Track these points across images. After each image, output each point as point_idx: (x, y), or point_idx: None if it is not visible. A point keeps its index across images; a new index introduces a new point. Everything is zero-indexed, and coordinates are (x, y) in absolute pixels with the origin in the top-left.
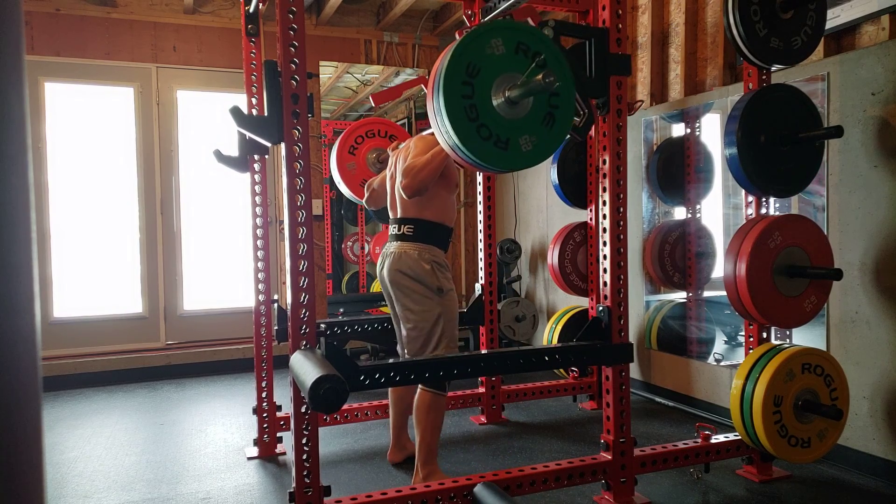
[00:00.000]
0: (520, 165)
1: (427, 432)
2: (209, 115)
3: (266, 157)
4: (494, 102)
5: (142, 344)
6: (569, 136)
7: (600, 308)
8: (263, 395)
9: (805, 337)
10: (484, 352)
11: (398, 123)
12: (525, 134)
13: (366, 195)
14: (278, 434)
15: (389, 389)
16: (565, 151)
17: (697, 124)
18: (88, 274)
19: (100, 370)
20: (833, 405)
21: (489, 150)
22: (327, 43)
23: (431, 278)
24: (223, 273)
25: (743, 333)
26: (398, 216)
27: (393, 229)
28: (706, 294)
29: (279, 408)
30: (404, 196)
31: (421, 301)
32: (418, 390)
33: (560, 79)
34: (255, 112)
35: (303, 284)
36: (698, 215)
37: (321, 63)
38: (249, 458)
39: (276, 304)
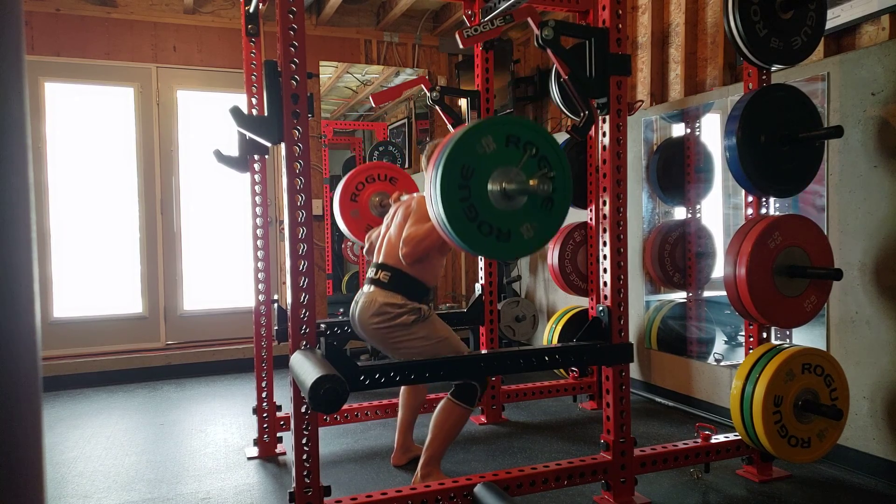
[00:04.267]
0: (523, 253)
1: (439, 438)
2: (209, 115)
3: (266, 157)
4: (491, 196)
5: (142, 344)
6: (569, 135)
7: (600, 308)
8: (263, 395)
9: (805, 337)
10: (484, 352)
11: (398, 123)
12: (525, 223)
13: (366, 246)
14: (278, 434)
15: (401, 392)
16: (565, 151)
17: (697, 124)
18: (88, 274)
19: (100, 370)
20: (833, 405)
21: (492, 245)
22: (327, 43)
23: (404, 314)
24: (223, 273)
25: (743, 333)
26: (379, 261)
27: (370, 272)
28: (706, 294)
29: (279, 408)
30: (403, 262)
31: (407, 335)
32: (446, 398)
33: (554, 167)
34: (255, 112)
35: (303, 284)
36: (698, 215)
37: (321, 63)
38: (249, 458)
39: (276, 304)
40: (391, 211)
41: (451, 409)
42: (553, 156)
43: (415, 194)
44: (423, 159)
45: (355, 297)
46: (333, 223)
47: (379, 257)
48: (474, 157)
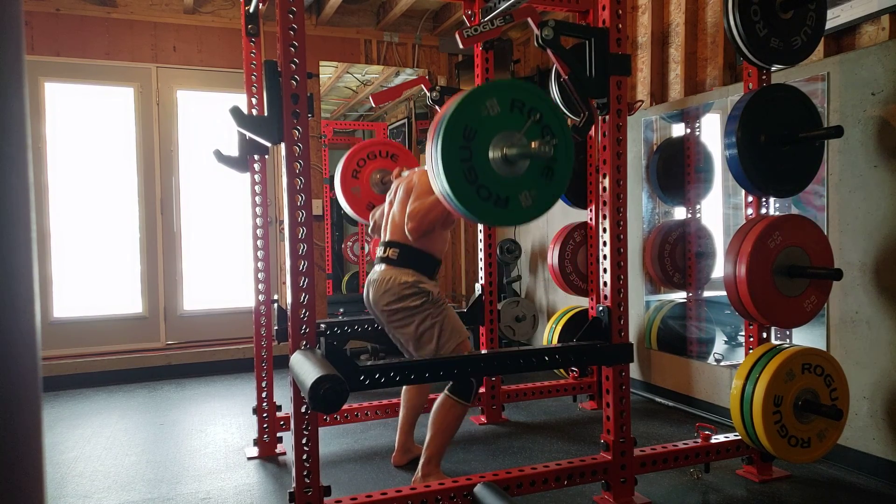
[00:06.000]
0: (520, 221)
1: (438, 436)
2: (209, 115)
3: (266, 157)
4: (492, 161)
5: (142, 344)
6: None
7: (600, 308)
8: (263, 395)
9: (805, 337)
10: (484, 352)
11: (398, 123)
12: (525, 190)
13: (370, 225)
14: (278, 434)
15: (402, 392)
16: None
17: (697, 124)
18: (88, 274)
19: (100, 370)
20: (833, 405)
21: (489, 210)
22: (327, 43)
23: (415, 295)
24: (223, 273)
25: (743, 333)
26: (386, 239)
27: (379, 251)
28: (706, 294)
29: (279, 408)
30: (409, 237)
31: (412, 317)
32: (443, 395)
33: (557, 134)
34: (255, 112)
35: (303, 284)
36: (698, 215)
37: (321, 63)
38: (249, 458)
39: (276, 304)
40: (393, 187)
41: (448, 405)
42: (556, 125)
43: (416, 169)
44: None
45: (367, 279)
46: (333, 223)
47: (386, 235)
48: (477, 119)
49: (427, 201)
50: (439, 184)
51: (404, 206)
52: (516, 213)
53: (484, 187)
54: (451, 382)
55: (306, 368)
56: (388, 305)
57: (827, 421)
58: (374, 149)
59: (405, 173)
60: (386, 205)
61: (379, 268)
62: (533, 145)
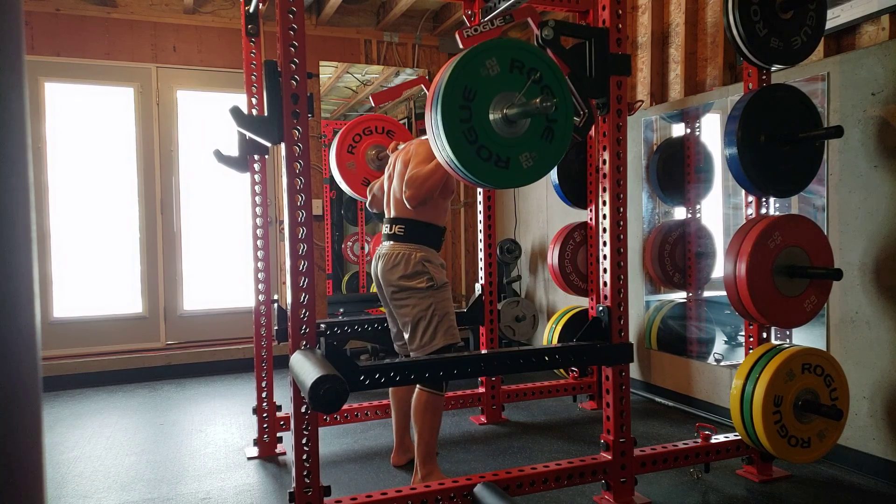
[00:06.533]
0: (521, 182)
1: (425, 431)
2: (209, 115)
3: (266, 157)
4: (492, 121)
5: (142, 344)
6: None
7: (600, 308)
8: (263, 395)
9: (805, 337)
10: (484, 352)
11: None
12: (525, 151)
13: (368, 199)
14: (278, 434)
15: (390, 393)
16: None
17: (697, 124)
18: (88, 274)
19: (100, 370)
20: (833, 405)
21: (490, 170)
22: (327, 43)
23: (423, 276)
24: (223, 273)
25: (743, 333)
26: (391, 216)
27: (385, 228)
28: (706, 294)
29: (279, 408)
30: (407, 206)
31: (414, 298)
32: (416, 390)
33: (557, 94)
34: (255, 112)
35: (303, 284)
36: (698, 215)
37: (321, 63)
38: (249, 458)
39: (276, 304)
40: (391, 161)
41: (423, 399)
42: (556, 85)
43: (412, 140)
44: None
45: (376, 252)
46: (334, 223)
47: (390, 212)
48: (477, 79)
49: (425, 168)
50: (440, 146)
51: (403, 178)
52: (517, 174)
53: (485, 148)
54: None
55: (306, 368)
56: (396, 280)
57: (827, 421)
58: (370, 124)
59: (401, 146)
60: (385, 180)
61: (388, 244)
62: (535, 101)
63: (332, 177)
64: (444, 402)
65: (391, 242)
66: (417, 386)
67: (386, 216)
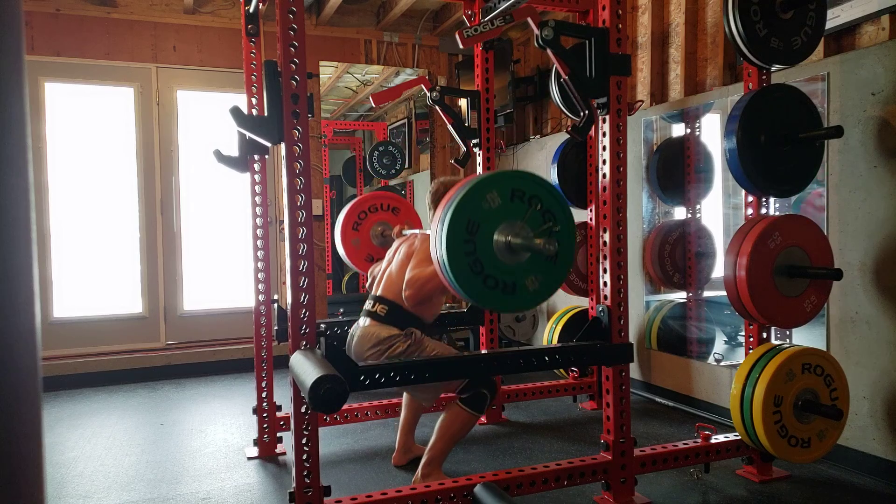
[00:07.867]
0: (529, 305)
1: (443, 441)
2: (209, 115)
3: (266, 157)
4: (497, 251)
5: (142, 344)
6: (569, 135)
7: (600, 308)
8: (263, 395)
9: (805, 337)
10: (484, 352)
11: (398, 123)
12: (531, 275)
13: (368, 281)
14: (278, 434)
15: (405, 393)
16: (565, 151)
17: (697, 124)
18: (88, 274)
19: (100, 370)
20: (833, 405)
21: (496, 297)
22: (327, 43)
23: (394, 346)
24: (223, 273)
25: (743, 333)
26: (377, 293)
27: (368, 304)
28: (706, 294)
29: (279, 408)
30: (405, 302)
31: (395, 345)
32: (455, 404)
33: (559, 218)
34: (255, 112)
35: (303, 284)
36: (698, 215)
37: (321, 63)
38: (249, 458)
39: (276, 304)
40: (394, 246)
41: (458, 413)
42: (557, 209)
43: (418, 231)
44: (428, 197)
45: (350, 331)
46: (333, 223)
47: (378, 290)
48: (479, 213)
49: (427, 271)
50: (445, 276)
51: (403, 268)
52: (524, 297)
53: (490, 277)
54: (464, 393)
55: (306, 368)
56: (370, 348)
57: (827, 421)
58: (377, 202)
59: (407, 232)
60: (384, 262)
61: (364, 322)
62: (537, 242)
63: (331, 177)
64: (475, 423)
65: (368, 321)
66: (458, 401)
67: (372, 293)
